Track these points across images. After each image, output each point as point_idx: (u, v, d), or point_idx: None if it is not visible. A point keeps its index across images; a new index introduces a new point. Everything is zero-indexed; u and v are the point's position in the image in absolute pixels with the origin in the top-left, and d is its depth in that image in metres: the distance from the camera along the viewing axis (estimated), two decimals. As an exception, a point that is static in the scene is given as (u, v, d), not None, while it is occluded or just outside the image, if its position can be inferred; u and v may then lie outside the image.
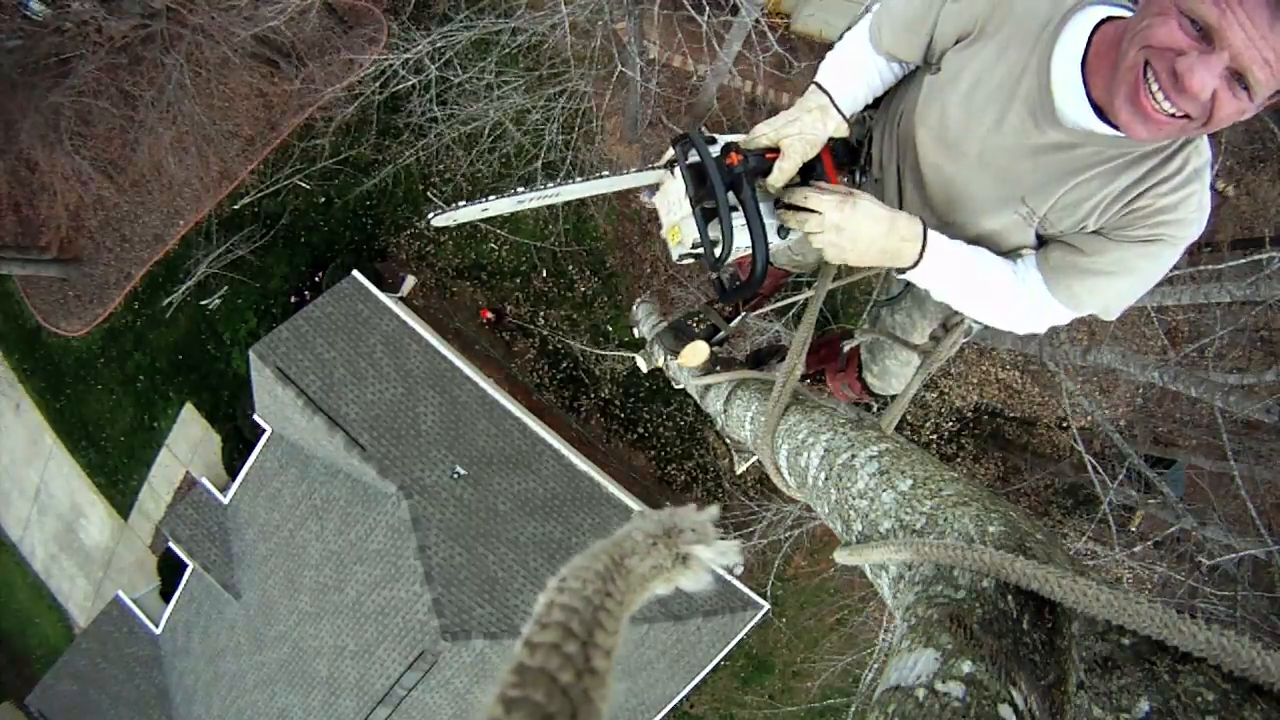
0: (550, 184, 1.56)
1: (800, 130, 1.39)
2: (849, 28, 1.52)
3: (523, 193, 1.55)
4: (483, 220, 1.84)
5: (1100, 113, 1.15)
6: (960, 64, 1.32)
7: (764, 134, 1.40)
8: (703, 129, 1.45)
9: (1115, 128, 1.14)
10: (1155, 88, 1.00)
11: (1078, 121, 1.19)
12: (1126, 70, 1.02)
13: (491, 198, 1.58)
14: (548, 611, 0.40)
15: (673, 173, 1.47)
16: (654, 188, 1.56)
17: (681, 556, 0.54)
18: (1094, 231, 1.31)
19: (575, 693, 0.34)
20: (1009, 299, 1.41)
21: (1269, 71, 0.90)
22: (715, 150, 1.39)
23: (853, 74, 1.48)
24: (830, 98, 1.44)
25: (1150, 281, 1.32)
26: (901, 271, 1.38)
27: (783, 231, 1.43)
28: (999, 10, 1.24)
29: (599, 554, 0.48)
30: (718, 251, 1.41)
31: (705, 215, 1.39)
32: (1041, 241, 1.40)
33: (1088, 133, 1.19)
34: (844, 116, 1.45)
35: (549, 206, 11.41)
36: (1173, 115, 1.01)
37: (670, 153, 1.47)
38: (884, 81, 1.52)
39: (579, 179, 1.56)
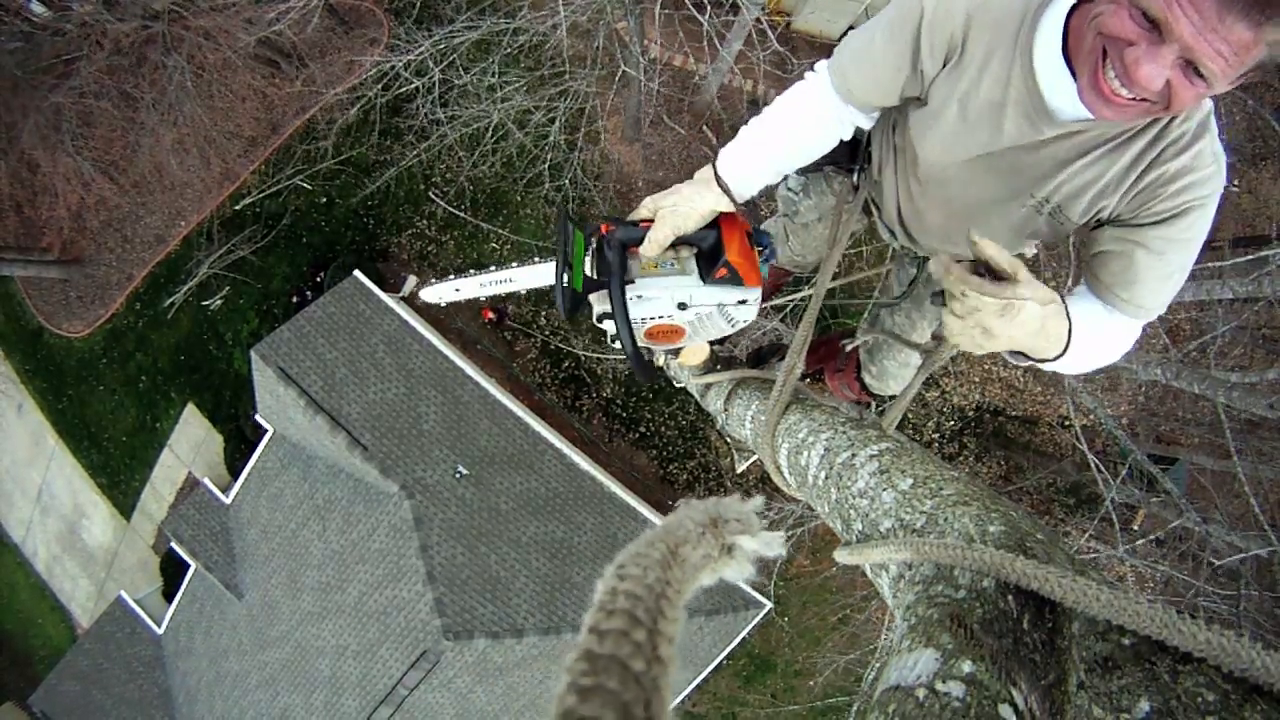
0: (496, 269, 1.68)
1: (674, 203, 1.40)
2: (793, 86, 1.47)
3: (483, 275, 1.66)
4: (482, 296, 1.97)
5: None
6: (948, 90, 1.29)
7: (644, 205, 1.43)
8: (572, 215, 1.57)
9: None
10: (1111, 74, 1.00)
11: (1071, 113, 1.18)
12: (1086, 55, 1.04)
13: (477, 271, 1.70)
14: (612, 598, 0.39)
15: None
16: None
17: (727, 546, 0.54)
18: (1118, 224, 1.29)
19: (646, 680, 0.34)
20: (1116, 346, 1.36)
21: (1222, 62, 0.89)
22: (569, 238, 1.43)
23: (770, 147, 1.45)
24: (716, 173, 1.43)
25: (1193, 250, 1.26)
26: (1024, 357, 1.27)
27: (653, 305, 1.46)
28: (976, 19, 1.21)
29: (655, 542, 0.48)
30: (610, 326, 1.44)
31: (596, 287, 1.44)
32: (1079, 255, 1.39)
33: (1085, 120, 1.18)
34: (728, 193, 1.43)
35: (549, 205, 11.46)
36: (1132, 99, 1.01)
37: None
38: (837, 136, 1.46)
39: (528, 264, 1.67)
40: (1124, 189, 1.24)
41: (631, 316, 1.42)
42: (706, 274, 1.45)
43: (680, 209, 1.40)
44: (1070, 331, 1.18)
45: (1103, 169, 1.23)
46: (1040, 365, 1.28)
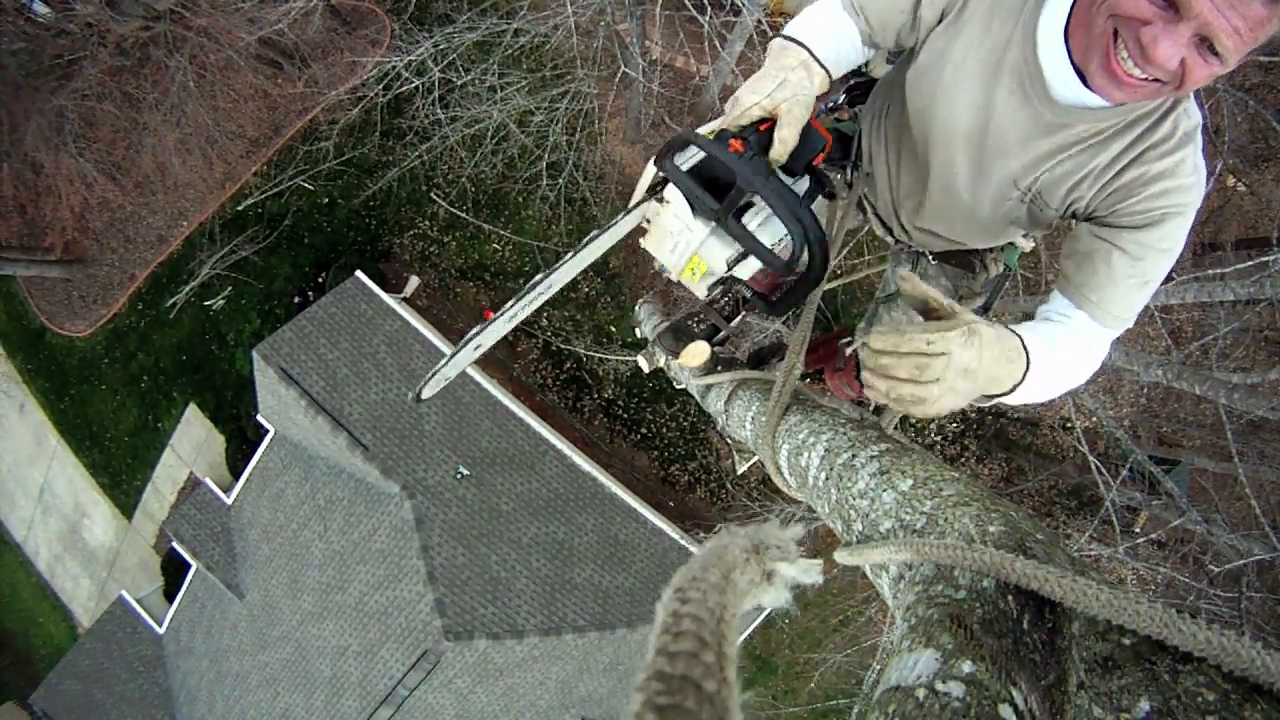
0: (539, 276, 1.32)
1: (793, 92, 1.23)
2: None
3: (514, 305, 1.32)
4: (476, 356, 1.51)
5: (1083, 78, 1.15)
6: (944, 44, 1.30)
7: (752, 104, 1.22)
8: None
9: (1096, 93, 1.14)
10: (1124, 55, 1.01)
11: (1066, 95, 1.18)
12: (1097, 37, 1.04)
13: (477, 330, 1.36)
14: (677, 621, 0.41)
15: (663, 198, 1.27)
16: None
17: (768, 573, 0.55)
18: (1094, 221, 1.29)
19: (719, 701, 0.35)
20: (1082, 362, 1.31)
21: (1237, 39, 0.90)
22: (690, 157, 1.22)
23: (826, 34, 1.34)
24: (810, 51, 1.30)
25: (1168, 260, 1.26)
26: (992, 398, 1.17)
27: (815, 192, 1.24)
28: None
29: (709, 566, 0.49)
30: (784, 249, 1.20)
31: (734, 220, 1.19)
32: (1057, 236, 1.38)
33: (1079, 109, 1.19)
34: (826, 71, 1.32)
35: (551, 206, 11.47)
36: (1144, 79, 1.02)
37: (650, 174, 1.27)
38: (855, 58, 1.40)
39: (568, 257, 1.35)
40: (1102, 183, 1.24)
41: (780, 235, 1.20)
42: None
43: (800, 99, 1.23)
44: (1024, 345, 1.12)
45: (1084, 160, 1.24)
46: (1010, 398, 1.18)
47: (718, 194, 1.20)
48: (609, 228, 1.34)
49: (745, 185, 1.14)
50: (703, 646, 0.38)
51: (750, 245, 1.19)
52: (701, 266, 1.27)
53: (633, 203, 1.34)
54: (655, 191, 1.29)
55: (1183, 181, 1.19)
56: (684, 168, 1.22)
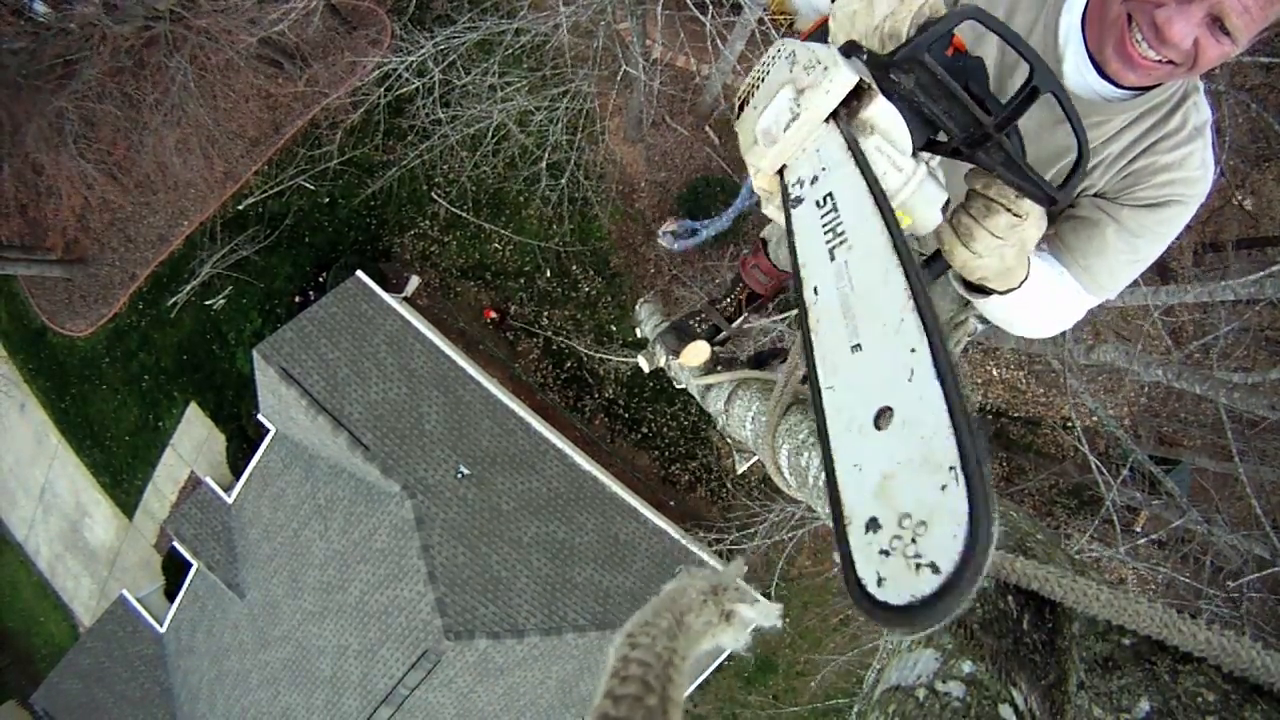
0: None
1: None
2: None
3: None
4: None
5: (1097, 67, 1.17)
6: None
7: None
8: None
9: (1109, 80, 1.15)
10: (1139, 37, 1.03)
11: (1081, 85, 1.20)
12: (1112, 23, 1.07)
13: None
14: (624, 666, 0.42)
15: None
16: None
17: (726, 614, 0.56)
18: (1099, 196, 1.30)
19: None
20: (1058, 310, 1.31)
21: (1248, 17, 0.93)
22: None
23: None
24: None
25: (1162, 244, 1.29)
26: (986, 292, 1.16)
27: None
28: None
29: (661, 611, 0.50)
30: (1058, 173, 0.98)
31: (971, 147, 0.90)
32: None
33: (1094, 101, 1.20)
34: None
35: (553, 207, 11.47)
36: (1158, 61, 1.04)
37: (827, 97, 0.88)
38: None
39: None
40: (1113, 171, 1.26)
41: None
42: None
43: None
44: (1029, 261, 1.12)
45: (1096, 150, 1.26)
46: (991, 302, 1.19)
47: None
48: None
49: (1045, 85, 0.87)
50: (647, 691, 0.40)
51: (1019, 175, 0.91)
52: (904, 220, 0.93)
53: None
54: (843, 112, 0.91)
55: (1190, 174, 1.22)
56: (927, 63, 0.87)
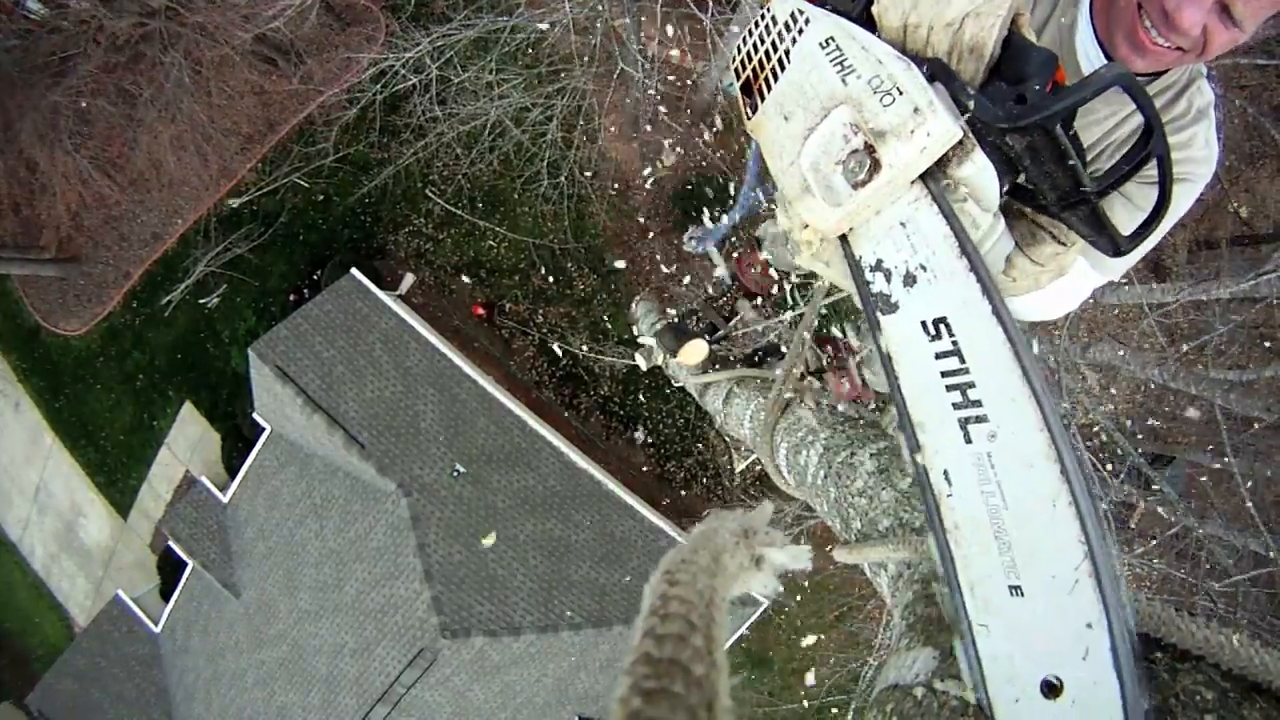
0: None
1: None
2: None
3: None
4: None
5: (1106, 55, 1.20)
6: None
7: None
8: None
9: None
10: (1149, 24, 1.06)
11: (1089, 71, 1.22)
12: (1122, 10, 1.10)
13: None
14: (665, 604, 0.40)
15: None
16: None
17: (757, 558, 0.54)
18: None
19: (707, 684, 0.35)
20: (1070, 292, 1.29)
21: (1255, 5, 0.95)
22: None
23: None
24: None
25: (1169, 221, 1.26)
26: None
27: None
28: None
29: (699, 550, 0.48)
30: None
31: (1064, 208, 0.82)
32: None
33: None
34: None
35: (551, 204, 11.44)
36: (1168, 47, 1.07)
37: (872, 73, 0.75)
38: None
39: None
40: (1121, 154, 1.27)
41: None
42: None
43: None
44: None
45: (1108, 132, 1.30)
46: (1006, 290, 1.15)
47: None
48: None
49: (1158, 150, 0.81)
50: (691, 630, 0.37)
51: (1096, 229, 0.84)
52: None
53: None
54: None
55: (1195, 154, 1.26)
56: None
